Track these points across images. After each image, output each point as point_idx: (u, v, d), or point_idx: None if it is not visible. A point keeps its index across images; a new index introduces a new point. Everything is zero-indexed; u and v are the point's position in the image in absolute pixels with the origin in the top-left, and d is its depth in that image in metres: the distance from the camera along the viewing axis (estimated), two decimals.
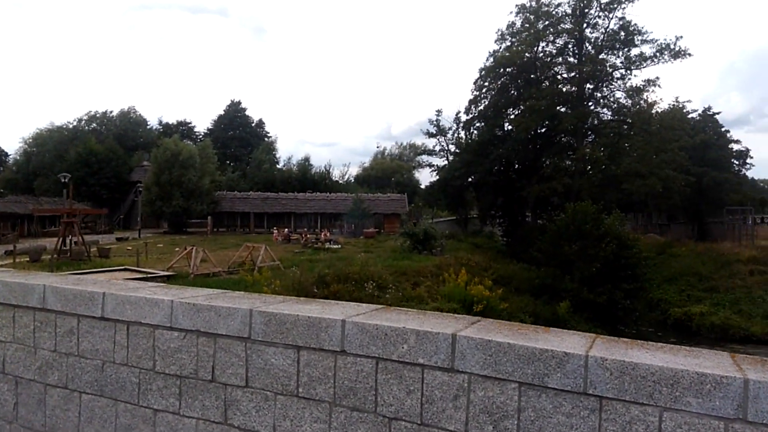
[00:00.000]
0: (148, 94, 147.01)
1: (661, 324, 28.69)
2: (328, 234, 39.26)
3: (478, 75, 39.53)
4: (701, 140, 41.41)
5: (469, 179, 37.78)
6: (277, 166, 69.11)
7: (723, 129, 48.46)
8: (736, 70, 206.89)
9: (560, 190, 31.94)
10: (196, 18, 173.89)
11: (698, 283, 31.14)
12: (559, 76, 36.97)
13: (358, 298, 19.97)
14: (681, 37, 33.04)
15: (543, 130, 36.38)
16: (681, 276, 32.07)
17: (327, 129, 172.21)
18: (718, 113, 48.49)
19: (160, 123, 70.54)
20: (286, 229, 43.46)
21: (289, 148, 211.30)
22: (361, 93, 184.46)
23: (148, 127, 66.01)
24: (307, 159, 70.41)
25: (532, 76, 36.91)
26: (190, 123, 73.51)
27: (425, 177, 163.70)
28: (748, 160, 49.98)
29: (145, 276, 19.65)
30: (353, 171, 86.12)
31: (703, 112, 47.98)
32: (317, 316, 2.77)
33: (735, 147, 47.91)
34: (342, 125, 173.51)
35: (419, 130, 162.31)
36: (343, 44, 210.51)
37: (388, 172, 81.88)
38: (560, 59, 36.64)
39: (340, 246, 34.29)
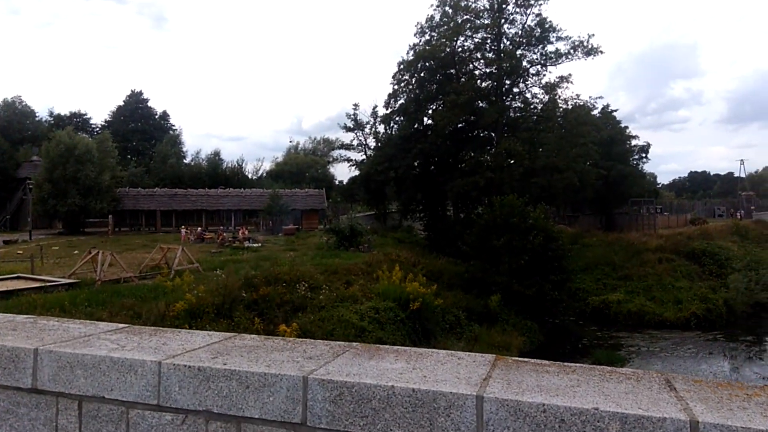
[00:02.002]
0: (36, 82, 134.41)
1: (581, 313, 29.64)
2: (246, 232, 37.19)
3: (397, 69, 39.06)
4: (608, 135, 43.54)
5: (391, 174, 37.19)
6: (185, 160, 65.16)
7: (622, 125, 51.44)
8: (623, 70, 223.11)
9: (482, 184, 32.12)
10: (88, 3, 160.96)
11: (612, 272, 32.57)
12: (478, 71, 37.28)
13: (290, 300, 18.68)
14: (593, 35, 34.30)
15: (464, 125, 36.52)
16: (596, 265, 33.39)
17: (235, 123, 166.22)
18: (616, 110, 51.44)
19: (51, 114, 64.11)
20: (199, 228, 40.74)
21: (195, 143, 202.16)
22: (269, 86, 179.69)
23: (37, 118, 59.67)
24: (217, 153, 66.99)
25: (451, 70, 36.93)
26: (84, 114, 67.50)
27: (341, 172, 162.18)
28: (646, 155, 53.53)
29: (43, 284, 17.15)
30: (267, 166, 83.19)
31: (602, 109, 50.56)
32: (428, 389, 1.67)
33: (634, 142, 50.92)
34: (250, 119, 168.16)
35: (331, 125, 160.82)
36: (250, 35, 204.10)
37: (303, 167, 79.86)
38: (479, 54, 36.96)
39: (260, 244, 32.50)
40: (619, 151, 44.78)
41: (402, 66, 38.09)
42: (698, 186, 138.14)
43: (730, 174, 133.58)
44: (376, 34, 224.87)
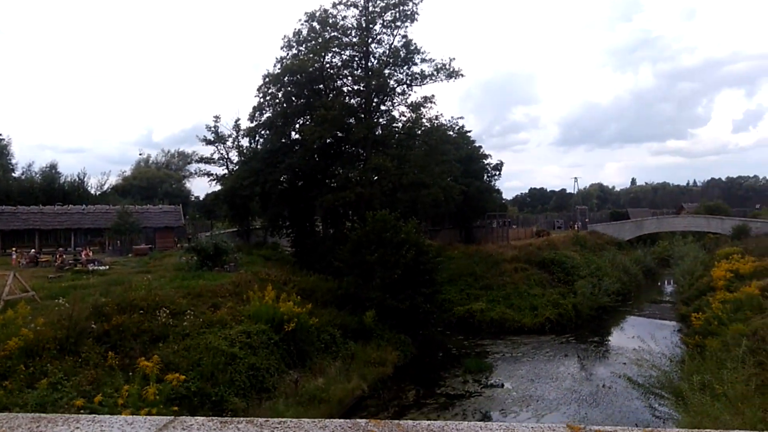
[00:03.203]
0: None
1: (448, 323, 30.57)
2: (90, 253, 33.23)
3: (262, 81, 37.77)
4: (465, 153, 46.03)
5: (257, 189, 35.67)
6: (13, 174, 57.20)
7: (476, 145, 54.88)
8: (472, 95, 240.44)
9: (352, 199, 32.00)
10: None
11: (475, 283, 34.11)
12: (346, 88, 37.33)
13: (148, 329, 16.72)
14: (454, 58, 36.05)
15: (333, 141, 36.25)
16: (459, 277, 34.78)
17: (73, 133, 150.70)
18: (470, 131, 54.84)
19: None
20: (33, 250, 35.65)
21: (26, 154, 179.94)
22: (114, 94, 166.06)
23: None
24: (53, 166, 59.79)
25: (320, 85, 36.55)
26: None
27: (199, 187, 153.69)
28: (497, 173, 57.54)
29: None
30: (113, 180, 75.92)
31: (458, 129, 53.57)
32: None
33: (488, 160, 54.45)
34: (92, 130, 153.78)
35: (186, 138, 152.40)
36: (90, 39, 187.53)
37: (155, 181, 74.24)
38: (347, 71, 37.03)
39: (107, 267, 29.18)
40: (476, 169, 47.54)
41: (268, 79, 36.91)
42: (537, 201, 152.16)
43: (563, 190, 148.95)
44: (228, 47, 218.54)
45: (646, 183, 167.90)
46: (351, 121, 36.00)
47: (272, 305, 20.05)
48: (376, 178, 34.78)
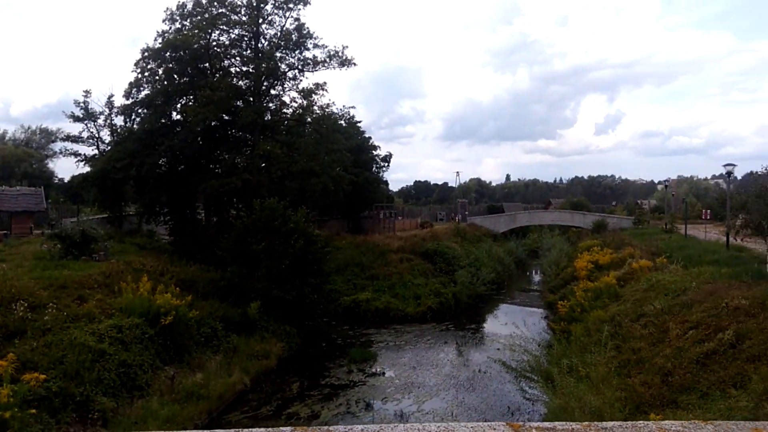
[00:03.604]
0: None
1: (334, 313, 30.60)
2: None
3: (141, 56, 35.00)
4: (355, 144, 46.13)
5: (133, 172, 33.13)
6: None
7: (366, 136, 55.32)
8: (362, 87, 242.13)
9: (239, 186, 30.82)
10: None
11: (361, 273, 34.43)
12: (234, 69, 35.72)
13: (3, 324, 14.92)
14: (347, 46, 35.67)
15: (219, 124, 34.57)
16: (346, 267, 34.91)
17: None
18: (360, 121, 55.10)
19: None
20: None
21: None
22: None
23: None
24: None
25: (205, 64, 34.65)
26: None
27: (64, 168, 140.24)
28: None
29: None
30: None
31: (348, 119, 53.67)
32: None
33: (377, 152, 55.08)
34: None
35: (50, 113, 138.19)
36: None
37: (12, 160, 66.47)
38: (235, 51, 35.44)
39: None
40: (365, 159, 47.85)
41: (147, 53, 34.27)
42: (422, 193, 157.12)
43: (446, 183, 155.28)
44: (101, 16, 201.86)
45: (519, 179, 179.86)
46: (239, 104, 34.55)
47: (147, 297, 18.76)
48: (264, 165, 33.80)
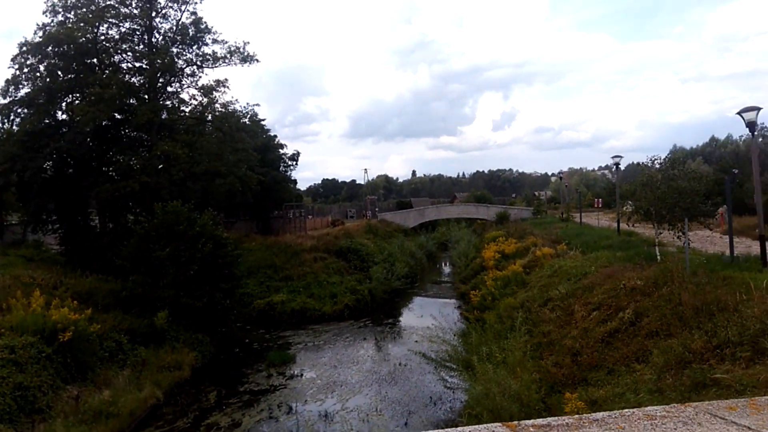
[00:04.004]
0: None
1: (248, 317, 29.70)
2: None
3: (18, 50, 31.90)
4: (261, 143, 45.00)
5: (14, 178, 30.18)
6: None
7: (272, 134, 54.14)
8: (263, 84, 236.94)
9: (137, 189, 28.97)
10: None
11: (275, 274, 33.70)
12: (126, 65, 33.47)
13: None
14: (248, 42, 34.55)
15: (111, 123, 32.24)
16: (258, 269, 34.01)
17: None
18: (264, 119, 53.83)
19: None
20: None
21: None
22: None
23: None
24: None
25: (93, 59, 32.15)
26: None
27: None
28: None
29: None
30: None
31: (251, 117, 52.30)
32: None
33: (284, 150, 54.06)
34: None
35: None
36: None
37: None
38: (127, 46, 33.19)
39: None
40: (272, 158, 46.85)
41: (26, 48, 31.24)
42: (330, 191, 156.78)
43: (354, 181, 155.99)
44: None
45: (424, 175, 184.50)
46: (132, 102, 32.45)
47: (41, 313, 17.17)
48: (163, 166, 32.05)
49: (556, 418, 2.01)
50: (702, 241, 23.03)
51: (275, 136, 53.07)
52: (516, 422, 1.84)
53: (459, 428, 1.82)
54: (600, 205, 46.57)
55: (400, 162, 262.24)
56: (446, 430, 1.73)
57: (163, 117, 32.97)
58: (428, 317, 28.71)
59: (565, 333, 15.55)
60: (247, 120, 43.62)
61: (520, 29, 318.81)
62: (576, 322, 15.85)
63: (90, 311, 18.83)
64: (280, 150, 51.86)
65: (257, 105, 41.78)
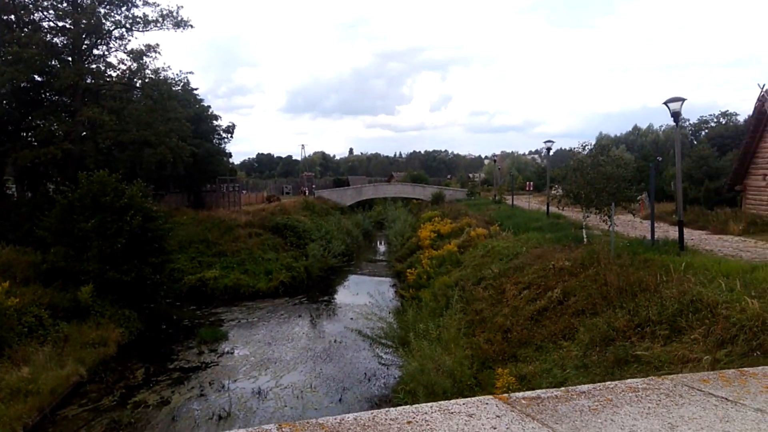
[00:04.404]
0: None
1: (179, 293, 28.87)
2: None
3: None
4: (194, 113, 43.28)
5: None
6: None
7: (205, 104, 52.16)
8: (196, 53, 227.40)
9: (59, 156, 27.28)
10: None
11: (207, 250, 32.78)
12: (48, 23, 31.10)
13: None
14: (182, 7, 32.94)
15: (31, 85, 30.02)
16: (190, 244, 32.97)
17: None
18: (197, 89, 51.75)
19: None
20: None
21: None
22: None
23: None
24: None
25: (10, 16, 29.66)
26: None
27: None
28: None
29: None
30: None
31: (184, 86, 50.16)
32: None
33: (218, 122, 52.26)
34: None
35: None
36: None
37: None
38: (48, 3, 30.77)
39: None
40: (205, 129, 45.26)
41: None
42: (265, 166, 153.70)
43: (290, 156, 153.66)
44: None
45: (362, 153, 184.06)
46: (55, 64, 30.36)
47: None
48: (86, 134, 30.30)
49: (544, 390, 2.10)
50: (624, 225, 24.32)
51: (209, 106, 51.26)
52: (507, 394, 1.91)
53: (452, 401, 1.87)
54: (531, 189, 48.26)
55: (337, 139, 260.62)
56: (442, 403, 1.77)
57: (88, 81, 31.06)
58: (364, 295, 28.94)
59: (497, 311, 16.09)
60: (179, 88, 41.78)
61: (459, 11, 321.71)
62: (507, 301, 16.43)
63: (7, 284, 17.70)
64: (215, 121, 50.19)
65: (191, 73, 39.84)
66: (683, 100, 15.61)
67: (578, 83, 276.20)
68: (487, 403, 1.80)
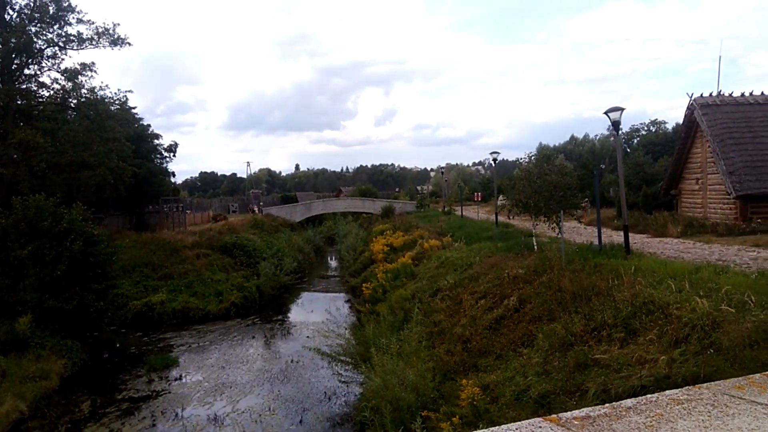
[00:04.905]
0: None
1: (124, 320, 27.66)
2: None
3: None
4: (135, 132, 41.87)
5: None
6: None
7: (145, 123, 50.49)
8: (132, 71, 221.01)
9: None
10: None
11: (153, 273, 31.59)
12: None
13: None
14: (118, 24, 31.94)
15: None
16: (134, 268, 31.70)
17: None
18: (135, 107, 50.02)
19: None
20: None
21: None
22: None
23: None
24: None
25: None
26: None
27: None
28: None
29: None
30: None
31: (122, 105, 48.52)
32: None
33: (159, 141, 50.65)
34: None
35: None
36: None
37: None
38: None
39: None
40: (147, 149, 43.78)
41: None
42: (208, 185, 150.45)
43: (234, 174, 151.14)
44: None
45: (308, 168, 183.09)
46: None
47: None
48: (17, 156, 28.76)
49: (591, 408, 2.06)
50: (570, 231, 25.09)
51: (149, 125, 49.68)
52: (555, 416, 1.86)
53: (503, 426, 1.79)
54: (479, 199, 49.20)
55: (282, 156, 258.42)
56: (489, 429, 1.69)
57: (19, 102, 29.56)
58: (319, 312, 28.62)
59: (455, 321, 16.18)
60: (117, 107, 40.34)
61: (399, 27, 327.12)
62: (465, 311, 16.55)
63: None
64: (156, 140, 48.61)
65: (130, 92, 38.24)
66: (622, 109, 16.32)
67: (516, 96, 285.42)
68: (540, 426, 1.75)
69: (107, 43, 31.96)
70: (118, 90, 36.89)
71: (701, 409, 2.11)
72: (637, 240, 20.77)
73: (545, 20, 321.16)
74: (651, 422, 1.91)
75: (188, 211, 54.44)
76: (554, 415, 1.98)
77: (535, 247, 19.52)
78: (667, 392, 2.47)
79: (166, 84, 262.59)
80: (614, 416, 1.93)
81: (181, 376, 20.31)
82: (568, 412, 2.00)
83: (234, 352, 23.15)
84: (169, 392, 18.71)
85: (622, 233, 17.50)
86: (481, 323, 14.95)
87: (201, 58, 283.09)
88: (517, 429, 1.77)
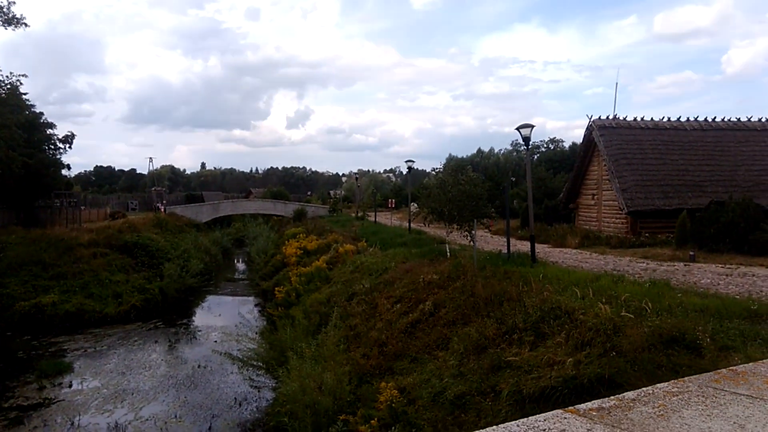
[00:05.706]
0: None
1: (10, 322, 25.37)
2: None
3: None
4: (26, 120, 38.55)
5: None
6: None
7: (37, 111, 46.58)
8: (21, 54, 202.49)
9: None
10: None
11: (43, 272, 29.23)
12: None
13: None
14: (14, 2, 29.22)
15: None
16: (21, 266, 29.17)
17: None
18: (27, 93, 45.95)
19: None
20: None
21: None
22: None
23: None
24: None
25: None
26: None
27: None
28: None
29: None
30: None
31: (10, 89, 44.56)
32: None
33: (53, 131, 46.89)
34: None
35: None
36: None
37: None
38: None
39: None
40: (39, 138, 40.43)
41: None
42: (104, 180, 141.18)
43: (134, 170, 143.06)
44: None
45: (215, 168, 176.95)
46: None
47: None
48: None
49: (602, 400, 2.25)
50: (479, 239, 26.14)
51: (41, 113, 45.85)
52: (574, 407, 2.03)
53: (530, 417, 1.93)
54: (393, 206, 50.02)
55: (187, 153, 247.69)
56: (509, 423, 1.80)
57: None
58: (227, 316, 27.87)
59: (371, 325, 16.41)
60: (4, 91, 36.90)
61: (314, 31, 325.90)
62: (380, 315, 16.83)
63: None
64: (50, 130, 44.95)
65: (24, 76, 34.84)
66: (533, 126, 17.43)
67: (427, 107, 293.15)
68: (565, 417, 1.92)
69: (0, 23, 29.26)
70: (11, 73, 33.88)
71: (696, 400, 2.39)
72: (540, 249, 22.09)
73: (457, 37, 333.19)
74: (660, 412, 2.16)
75: (82, 207, 50.80)
76: (571, 407, 2.17)
77: (448, 253, 20.24)
78: (659, 385, 2.73)
79: (61, 70, 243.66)
80: (624, 407, 2.16)
81: (76, 382, 18.97)
82: (583, 404, 2.20)
83: (135, 357, 21.94)
84: (64, 400, 17.39)
85: (526, 242, 18.62)
86: (397, 327, 15.27)
87: (102, 46, 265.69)
88: (545, 420, 1.93)
